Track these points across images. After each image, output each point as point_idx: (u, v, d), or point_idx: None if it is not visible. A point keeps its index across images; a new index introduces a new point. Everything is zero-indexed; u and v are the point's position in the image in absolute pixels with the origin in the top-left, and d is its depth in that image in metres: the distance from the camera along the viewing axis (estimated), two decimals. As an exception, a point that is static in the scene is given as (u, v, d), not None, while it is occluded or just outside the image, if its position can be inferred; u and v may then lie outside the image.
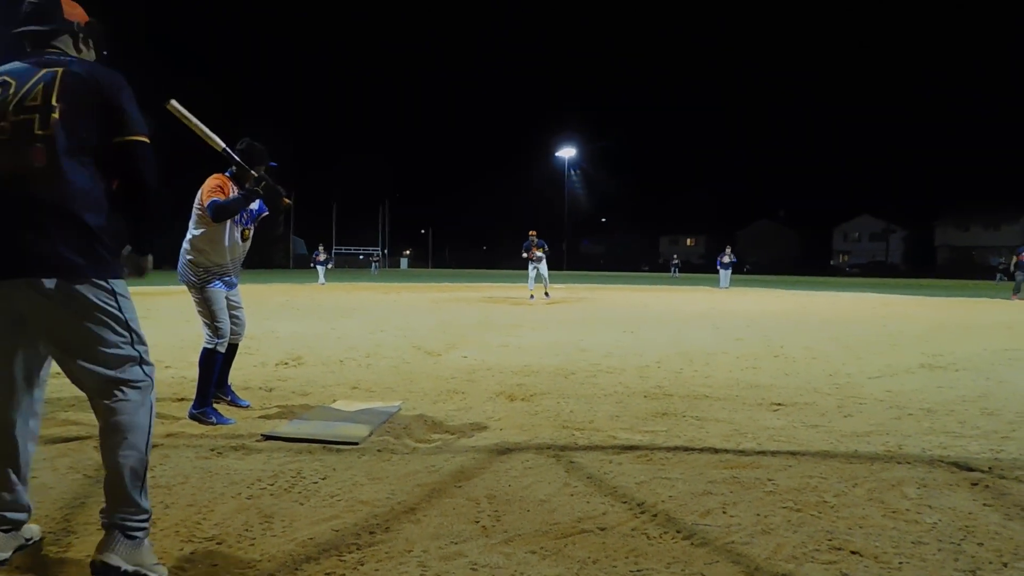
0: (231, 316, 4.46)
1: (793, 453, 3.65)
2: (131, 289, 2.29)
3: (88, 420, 3.82)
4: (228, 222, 4.26)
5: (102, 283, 2.13)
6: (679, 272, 56.46)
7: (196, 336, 7.90)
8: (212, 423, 4.12)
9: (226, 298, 4.39)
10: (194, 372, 4.47)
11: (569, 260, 70.83)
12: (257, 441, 3.77)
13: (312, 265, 28.99)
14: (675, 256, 62.96)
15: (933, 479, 3.22)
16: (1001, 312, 15.46)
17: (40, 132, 2.10)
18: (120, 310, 2.17)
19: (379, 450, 3.62)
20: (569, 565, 2.28)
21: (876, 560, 2.34)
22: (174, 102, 3.10)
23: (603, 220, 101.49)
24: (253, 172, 4.00)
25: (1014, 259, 21.43)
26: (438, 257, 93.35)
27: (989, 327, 11.50)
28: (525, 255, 18.83)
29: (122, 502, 2.14)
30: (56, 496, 2.85)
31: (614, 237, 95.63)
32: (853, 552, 2.40)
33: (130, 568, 2.08)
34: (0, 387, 2.20)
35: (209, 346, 4.29)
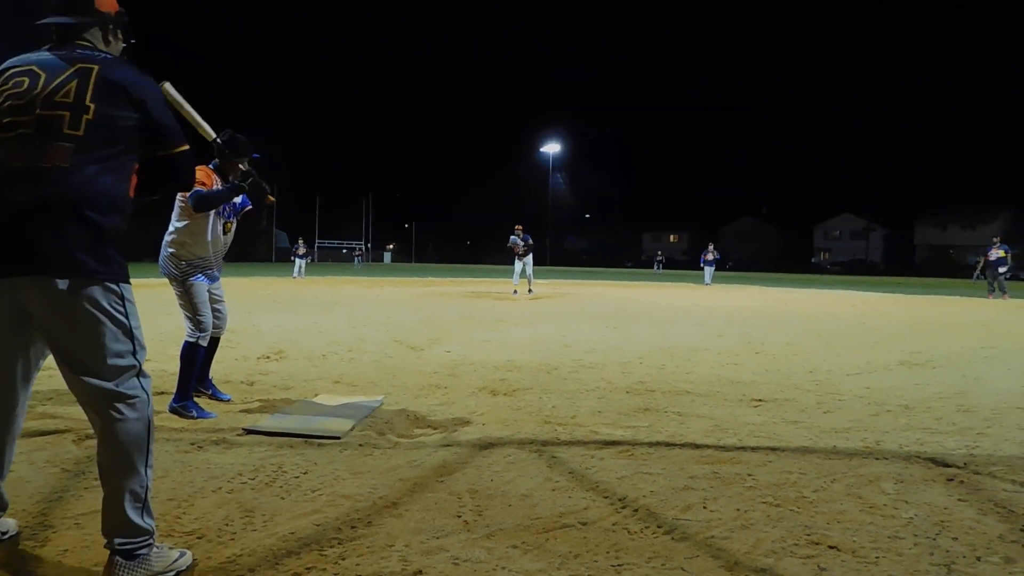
0: (213, 310, 4.42)
1: (773, 449, 3.68)
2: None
3: (66, 414, 3.78)
4: (211, 215, 4.23)
5: (112, 286, 2.08)
6: (663, 268, 56.67)
7: (177, 329, 7.83)
8: (193, 417, 4.09)
9: (208, 291, 4.35)
10: (175, 365, 4.44)
11: (552, 256, 70.96)
12: (238, 435, 3.75)
13: (292, 258, 28.74)
14: (659, 252, 63.20)
15: (910, 475, 3.26)
16: (978, 311, 15.67)
17: (69, 131, 2.04)
18: (127, 316, 2.12)
19: (361, 444, 3.61)
20: (550, 559, 2.29)
21: (853, 554, 2.37)
22: (167, 85, 3.05)
23: (587, 216, 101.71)
24: (241, 166, 3.97)
25: (981, 259, 21.67)
26: (422, 251, 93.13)
27: (966, 325, 11.65)
28: (510, 247, 18.66)
29: (122, 527, 2.07)
30: (33, 490, 2.82)
31: (597, 233, 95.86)
32: (831, 547, 2.43)
33: None
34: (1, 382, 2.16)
35: (191, 339, 4.25)
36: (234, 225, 4.52)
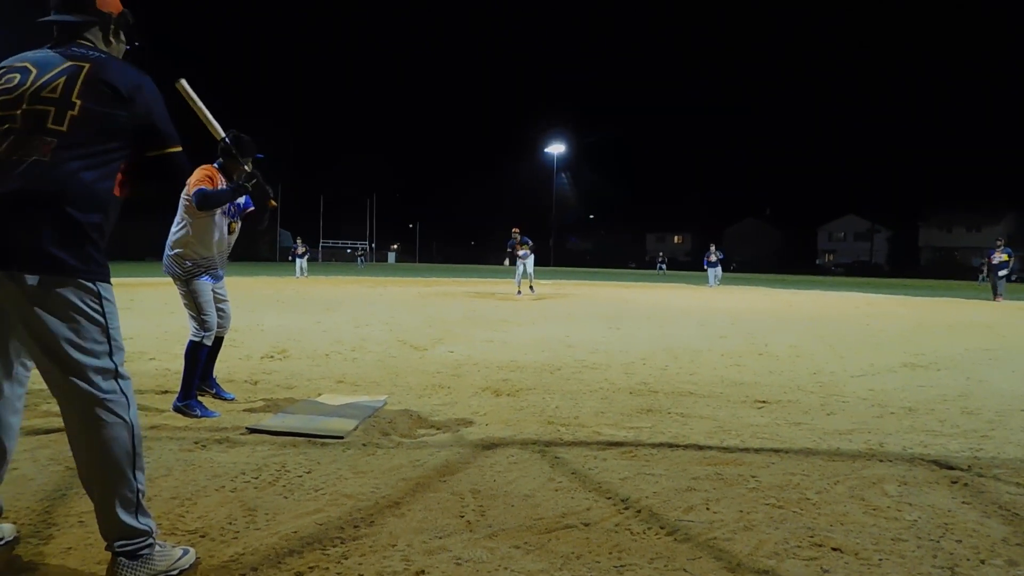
0: (217, 309, 4.43)
1: (776, 450, 3.68)
2: (114, 279, 2.25)
3: (70, 412, 3.78)
4: (216, 215, 4.23)
5: (89, 285, 2.04)
6: (666, 268, 56.54)
7: (180, 328, 7.86)
8: (196, 416, 4.10)
9: (212, 291, 4.36)
10: (178, 364, 4.45)
11: (556, 256, 70.96)
12: (241, 434, 3.76)
13: (290, 258, 28.61)
14: (661, 254, 63.07)
15: (913, 477, 3.25)
16: (982, 312, 15.62)
17: (52, 127, 2.02)
18: (103, 315, 2.08)
19: (364, 444, 3.62)
20: (553, 560, 2.29)
21: (856, 556, 2.36)
22: (183, 82, 3.05)
23: (591, 217, 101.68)
24: (246, 168, 3.98)
25: (985, 261, 21.62)
26: (425, 251, 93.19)
27: (970, 327, 11.62)
28: (509, 251, 18.55)
29: (118, 531, 2.06)
30: (36, 488, 2.83)
31: (601, 234, 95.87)
32: (834, 548, 2.42)
33: None
34: None
35: (196, 339, 4.26)
36: (238, 225, 4.52)
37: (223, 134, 3.61)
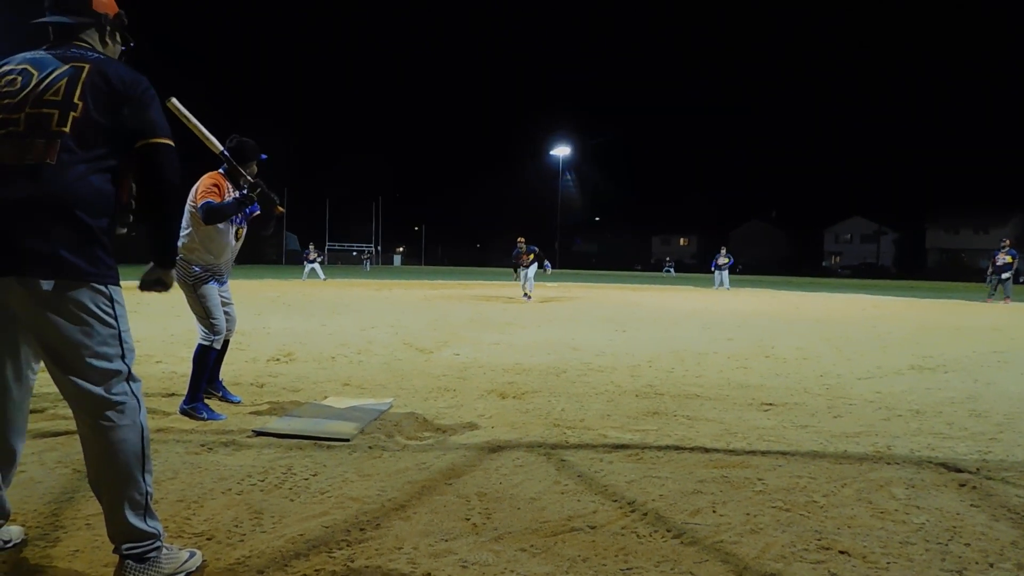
0: (223, 311, 4.44)
1: (783, 453, 3.66)
2: (121, 282, 2.26)
3: (77, 415, 3.79)
4: (224, 224, 4.24)
5: (101, 288, 2.05)
6: (673, 271, 56.36)
7: (186, 331, 7.88)
8: (203, 419, 4.11)
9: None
10: (184, 367, 4.47)
11: (562, 259, 70.94)
12: (248, 437, 3.76)
13: (303, 262, 29.05)
14: (668, 258, 62.94)
15: (921, 480, 3.24)
16: (990, 314, 15.56)
17: (56, 129, 2.02)
18: (115, 318, 2.08)
19: (370, 447, 3.62)
20: (559, 563, 2.29)
21: (864, 560, 2.35)
22: (174, 100, 3.07)
23: (596, 219, 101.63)
24: (248, 178, 4.00)
25: (991, 263, 21.48)
26: (431, 254, 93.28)
27: (978, 329, 11.57)
28: (515, 261, 18.03)
29: (128, 534, 2.07)
30: (44, 490, 2.84)
31: (606, 236, 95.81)
32: (841, 552, 2.41)
33: None
34: None
35: (205, 343, 4.27)
36: (244, 231, 4.54)
37: (220, 147, 3.64)
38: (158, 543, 2.11)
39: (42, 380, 2.39)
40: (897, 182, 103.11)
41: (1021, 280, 20.86)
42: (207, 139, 3.52)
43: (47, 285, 1.96)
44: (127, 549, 2.07)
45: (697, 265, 67.75)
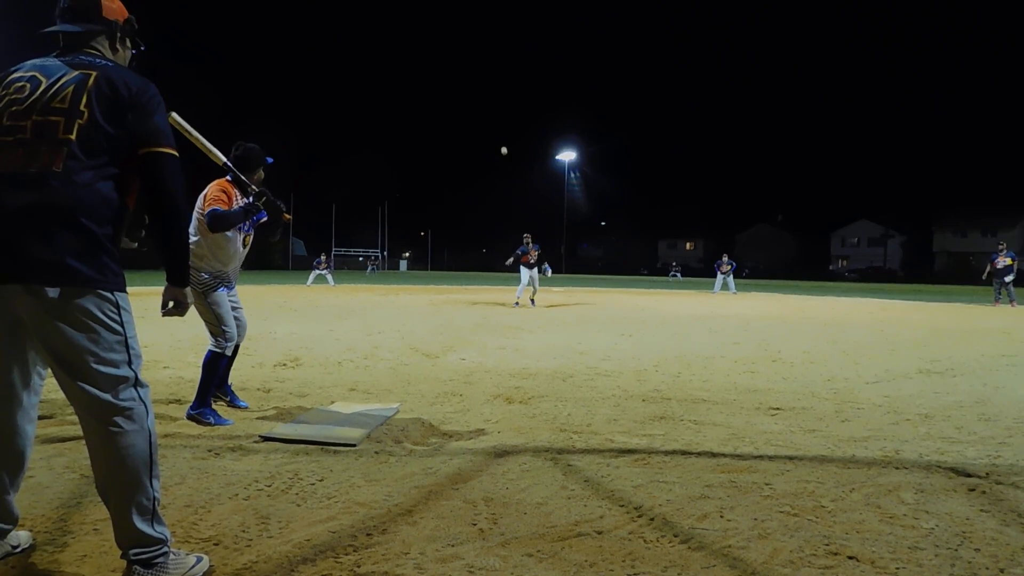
0: (233, 316, 4.47)
1: (790, 458, 3.65)
2: (128, 288, 2.26)
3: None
4: (232, 231, 4.26)
5: (107, 295, 2.05)
6: (680, 275, 56.26)
7: (194, 336, 7.91)
8: (210, 423, 4.11)
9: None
10: (191, 372, 4.48)
11: (567, 263, 70.90)
12: (254, 442, 3.77)
13: (313, 269, 29.45)
14: (674, 262, 62.86)
15: (930, 484, 3.22)
16: (998, 318, 15.47)
17: (63, 136, 2.03)
18: (122, 324, 2.09)
19: (376, 452, 3.62)
20: (566, 568, 2.28)
21: (873, 565, 2.34)
22: (174, 115, 3.09)
23: (602, 223, 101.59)
24: (253, 187, 4.03)
25: (988, 267, 21.31)
26: (437, 259, 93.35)
27: (987, 333, 11.51)
28: (520, 254, 16.72)
29: (135, 539, 2.07)
30: (52, 496, 2.84)
31: (613, 240, 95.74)
32: (850, 557, 2.40)
33: None
34: (0, 392, 2.14)
35: (216, 349, 4.30)
36: (251, 238, 4.55)
37: (224, 159, 3.67)
38: (165, 548, 2.12)
39: (50, 386, 2.40)
40: (904, 185, 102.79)
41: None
42: (210, 152, 3.56)
43: (53, 292, 1.97)
44: (135, 554, 2.07)
45: (703, 269, 67.54)
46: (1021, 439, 4.12)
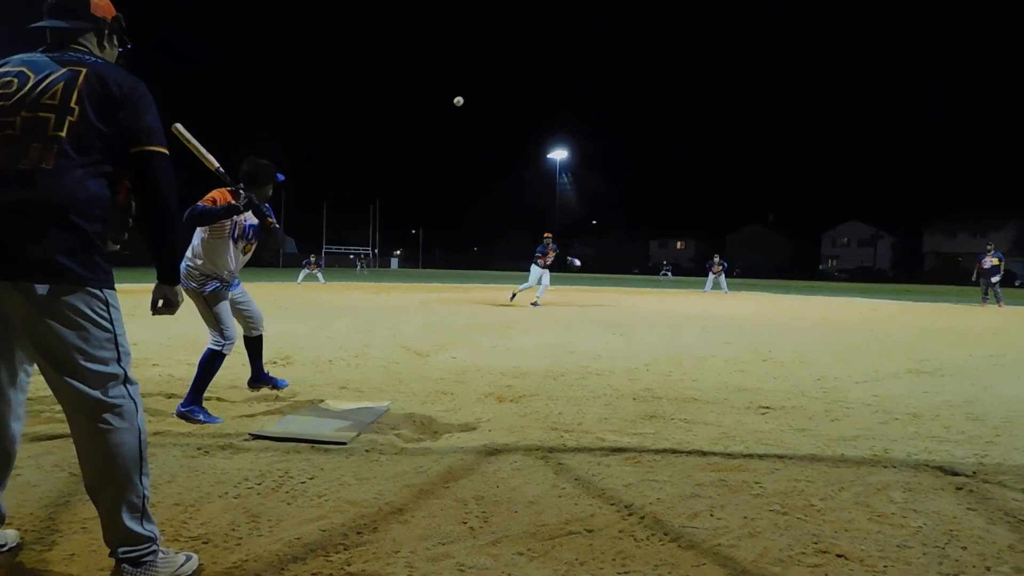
0: (244, 312, 4.63)
1: (780, 457, 3.66)
2: (119, 285, 2.25)
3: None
4: (229, 240, 4.33)
5: (96, 292, 2.04)
6: (671, 275, 56.45)
7: (183, 334, 7.87)
8: (199, 421, 4.10)
9: (232, 299, 4.49)
10: (181, 370, 4.47)
11: (558, 263, 70.86)
12: (245, 440, 3.76)
13: (303, 268, 29.41)
14: (665, 261, 63.03)
15: (918, 483, 3.24)
16: (987, 318, 15.58)
17: (53, 133, 2.02)
18: (111, 322, 2.08)
19: (367, 450, 3.61)
20: (556, 567, 2.29)
21: (861, 563, 2.35)
22: (179, 126, 3.15)
23: (594, 223, 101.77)
24: (241, 191, 4.09)
25: (976, 268, 21.43)
26: (429, 257, 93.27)
27: (975, 333, 11.59)
28: (539, 257, 16.50)
29: (124, 537, 2.06)
30: (41, 494, 2.83)
31: (604, 240, 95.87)
32: (839, 555, 2.41)
33: None
34: None
35: (215, 347, 4.31)
36: (253, 248, 4.59)
37: (216, 164, 3.74)
38: (154, 547, 2.11)
39: (38, 384, 2.38)
40: (895, 186, 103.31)
41: (1016, 284, 20.78)
42: (205, 158, 3.67)
43: (42, 290, 1.96)
44: (123, 553, 2.06)
45: (694, 269, 67.80)
46: (1008, 438, 4.16)
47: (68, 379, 2.02)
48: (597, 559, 2.35)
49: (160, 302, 2.32)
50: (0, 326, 2.06)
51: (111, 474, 2.05)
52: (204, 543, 2.40)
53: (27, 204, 1.97)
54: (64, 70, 2.11)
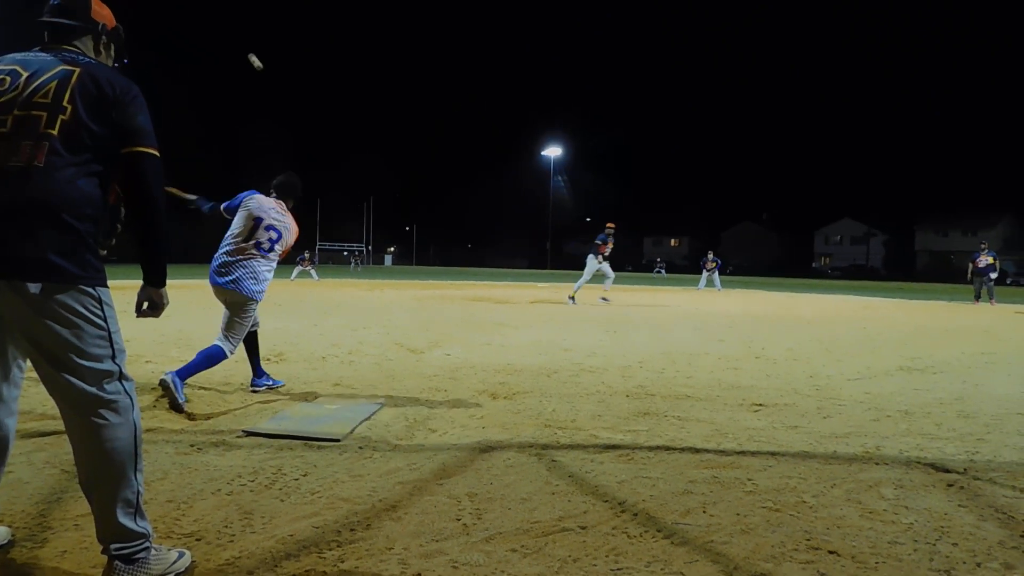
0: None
1: (773, 454, 3.68)
2: (111, 282, 2.24)
3: (66, 415, 3.77)
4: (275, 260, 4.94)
5: (89, 290, 2.05)
6: (664, 272, 56.59)
7: (176, 331, 7.86)
8: (177, 400, 4.21)
9: None
10: (175, 367, 4.45)
11: (553, 260, 70.99)
12: (238, 437, 3.75)
13: (297, 265, 29.28)
14: (659, 259, 63.15)
15: (910, 480, 3.26)
16: (979, 316, 15.66)
17: (45, 131, 2.02)
18: (105, 319, 2.08)
19: (360, 447, 3.61)
20: (549, 563, 2.29)
21: (853, 560, 2.36)
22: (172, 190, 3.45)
23: (587, 220, 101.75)
24: (190, 197, 4.77)
25: (970, 266, 21.53)
26: (423, 254, 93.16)
27: (967, 331, 11.65)
28: (599, 244, 16.09)
29: (117, 534, 2.06)
30: (32, 491, 2.82)
31: (598, 237, 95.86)
32: (831, 552, 2.42)
33: None
34: None
35: (228, 352, 4.66)
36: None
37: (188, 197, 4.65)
38: (147, 543, 2.11)
39: (30, 380, 2.37)
40: (887, 184, 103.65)
41: (1008, 282, 20.91)
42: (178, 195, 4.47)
43: (35, 288, 1.96)
44: (116, 549, 2.06)
45: (688, 266, 67.88)
46: (999, 436, 4.18)
47: (63, 375, 2.02)
48: (590, 556, 2.36)
49: (145, 304, 2.32)
50: None
51: (106, 469, 2.06)
52: (197, 540, 2.40)
53: (19, 202, 1.96)
54: (58, 69, 2.11)
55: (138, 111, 2.17)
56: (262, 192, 4.98)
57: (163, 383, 4.23)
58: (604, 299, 16.23)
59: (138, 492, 2.11)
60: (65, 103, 2.05)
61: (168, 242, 2.24)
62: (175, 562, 2.14)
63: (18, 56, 2.18)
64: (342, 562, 2.26)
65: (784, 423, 4.41)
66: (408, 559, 2.30)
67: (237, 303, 4.67)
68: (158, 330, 8.06)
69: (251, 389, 4.97)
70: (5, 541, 2.31)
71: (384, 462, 3.37)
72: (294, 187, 5.10)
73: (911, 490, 3.11)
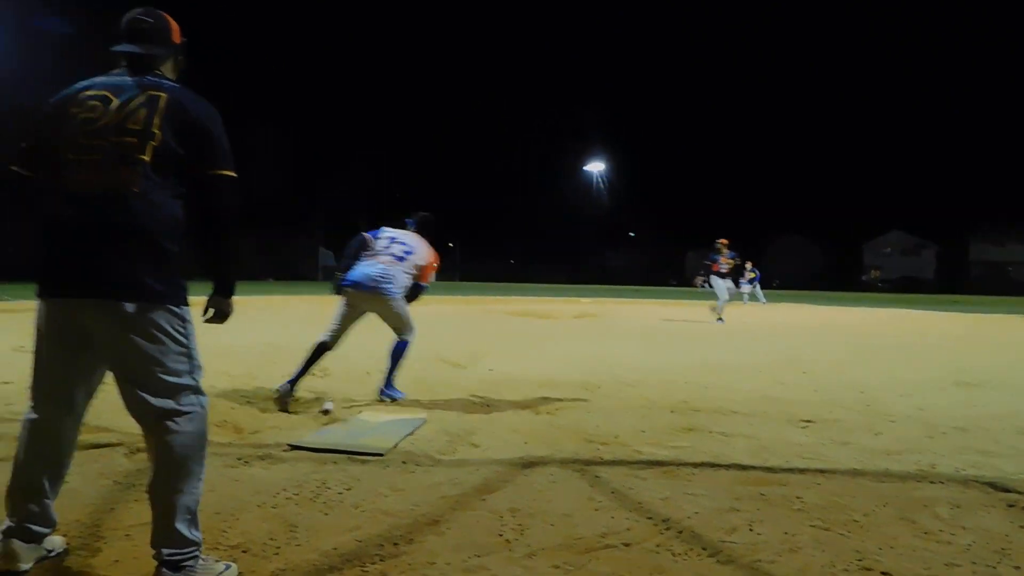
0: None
1: (821, 471, 3.59)
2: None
3: (118, 427, 3.87)
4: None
5: (175, 309, 2.17)
6: (709, 287, 55.73)
7: (224, 345, 8.02)
8: (396, 399, 5.26)
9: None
10: (223, 382, 4.54)
11: (595, 274, 70.68)
12: (283, 451, 3.80)
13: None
14: (701, 271, 62.22)
15: (966, 499, 3.14)
16: (1037, 329, 15.10)
17: (139, 157, 2.12)
18: (187, 337, 2.21)
19: (403, 462, 3.63)
20: (592, 580, 2.27)
21: (907, 581, 2.29)
22: None
23: (631, 234, 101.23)
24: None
25: None
26: (465, 270, 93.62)
27: (1022, 344, 11.24)
28: (708, 264, 15.57)
29: (171, 539, 2.13)
30: (86, 501, 2.89)
31: (641, 250, 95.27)
32: (883, 572, 2.35)
33: None
34: (60, 402, 2.24)
35: (406, 338, 5.65)
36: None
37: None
38: (197, 552, 2.16)
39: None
40: (938, 194, 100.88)
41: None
42: None
43: (130, 308, 2.08)
44: (167, 555, 2.12)
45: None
46: (1061, 454, 4.01)
47: (144, 388, 2.14)
48: (633, 573, 2.33)
49: (212, 311, 2.43)
50: (84, 343, 2.18)
51: (176, 478, 2.15)
52: (243, 552, 2.43)
53: (116, 226, 2.09)
54: (146, 95, 2.19)
55: (220, 134, 2.26)
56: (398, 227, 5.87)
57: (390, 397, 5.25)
58: (720, 318, 15.32)
59: (197, 501, 2.20)
60: (155, 129, 2.15)
61: (239, 257, 2.37)
62: (221, 573, 2.18)
63: (106, 80, 2.26)
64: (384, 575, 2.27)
65: (832, 439, 4.30)
66: (450, 573, 2.30)
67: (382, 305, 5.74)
68: (204, 345, 8.23)
69: (280, 390, 5.04)
70: (61, 550, 2.38)
71: (426, 476, 3.38)
72: (430, 223, 6.15)
73: (968, 509, 3.00)
